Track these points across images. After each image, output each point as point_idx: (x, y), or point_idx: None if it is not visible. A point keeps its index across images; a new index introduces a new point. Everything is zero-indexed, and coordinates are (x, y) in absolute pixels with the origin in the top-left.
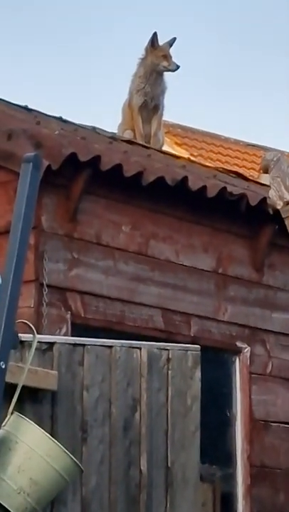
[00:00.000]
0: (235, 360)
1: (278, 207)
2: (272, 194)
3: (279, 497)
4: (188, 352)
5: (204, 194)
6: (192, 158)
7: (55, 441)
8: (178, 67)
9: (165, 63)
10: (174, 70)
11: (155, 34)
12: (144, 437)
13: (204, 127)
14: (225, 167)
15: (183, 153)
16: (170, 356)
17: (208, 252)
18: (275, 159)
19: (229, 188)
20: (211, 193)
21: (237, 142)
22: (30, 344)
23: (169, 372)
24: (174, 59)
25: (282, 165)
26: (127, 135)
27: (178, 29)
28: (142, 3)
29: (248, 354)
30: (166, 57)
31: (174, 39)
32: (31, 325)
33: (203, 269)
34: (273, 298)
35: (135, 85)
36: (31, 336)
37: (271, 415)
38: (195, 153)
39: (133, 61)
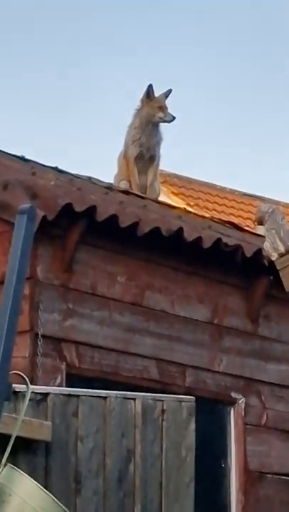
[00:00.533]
0: (230, 411)
1: (273, 258)
2: (266, 246)
3: None
4: (183, 403)
5: (199, 245)
6: (188, 207)
7: (48, 493)
8: (173, 118)
9: (161, 114)
10: (169, 121)
11: (150, 86)
12: (139, 489)
13: (201, 177)
14: (221, 217)
15: (179, 202)
16: (165, 407)
17: (203, 302)
18: (269, 211)
19: (224, 239)
20: (207, 244)
21: (233, 192)
22: (24, 395)
23: (164, 423)
24: (169, 110)
25: (277, 217)
26: (123, 185)
27: (174, 79)
28: (139, 53)
29: (243, 405)
30: (162, 108)
31: (170, 90)
32: (25, 376)
33: (198, 320)
34: (268, 349)
35: (131, 136)
36: (25, 386)
37: (266, 466)
38: (191, 203)
39: (128, 112)
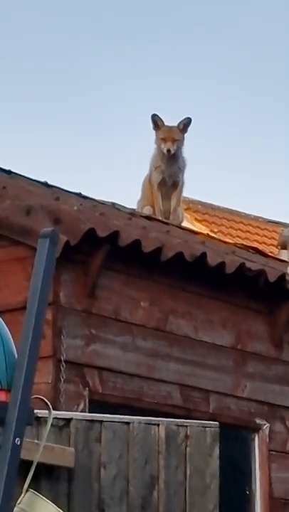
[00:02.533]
0: (255, 437)
1: None
2: None
3: None
4: (207, 429)
5: (223, 270)
6: (212, 234)
7: None
8: (168, 152)
9: (162, 146)
10: (166, 154)
11: (153, 116)
12: None
13: (224, 204)
14: (244, 243)
15: (203, 229)
16: (188, 433)
17: (226, 328)
18: None
19: (248, 264)
20: (230, 269)
21: (257, 219)
22: (46, 420)
23: (188, 449)
24: (188, 138)
25: None
26: (147, 211)
27: (198, 104)
28: (165, 74)
29: (267, 431)
30: (164, 139)
31: (188, 119)
32: (47, 401)
33: (221, 345)
34: None
35: (153, 163)
36: (47, 412)
37: None
38: (215, 230)
39: (152, 137)
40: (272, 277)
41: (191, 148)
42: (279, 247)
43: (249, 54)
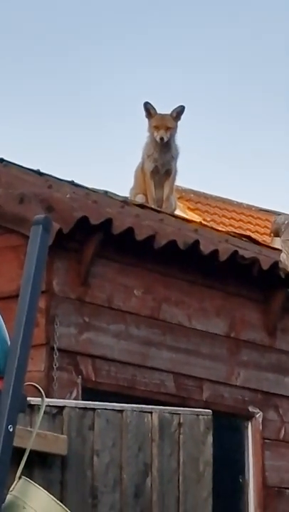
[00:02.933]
0: (248, 425)
1: None
2: (283, 257)
3: None
4: (200, 417)
5: (216, 258)
6: (205, 223)
7: (64, 507)
8: (161, 139)
9: (155, 134)
10: (159, 142)
11: (145, 104)
12: (156, 504)
13: (217, 192)
14: (237, 231)
15: (195, 218)
16: (182, 421)
17: (220, 316)
18: (286, 222)
19: (241, 252)
20: (223, 256)
21: (250, 207)
22: (39, 407)
23: (181, 437)
24: (181, 126)
25: None
26: (139, 199)
27: (191, 95)
28: (159, 66)
29: (261, 419)
30: (157, 127)
31: (181, 107)
32: (40, 388)
33: (215, 334)
34: (286, 362)
35: (146, 151)
36: (40, 399)
37: (285, 481)
38: (208, 218)
39: (144, 125)
40: (265, 265)
41: (184, 136)
42: (272, 235)
43: (245, 41)
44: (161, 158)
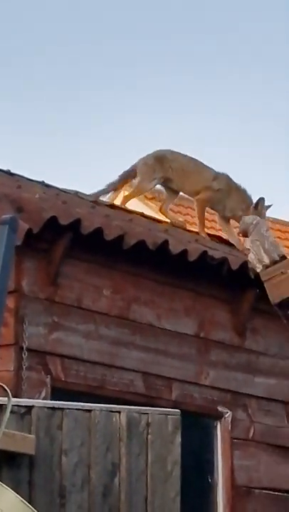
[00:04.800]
0: (217, 425)
1: (258, 270)
2: (251, 258)
3: None
4: (169, 416)
5: (185, 258)
6: None
7: (31, 507)
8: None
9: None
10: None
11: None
12: (124, 503)
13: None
14: (209, 232)
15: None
16: (150, 420)
17: (190, 316)
18: (254, 222)
19: (210, 252)
20: (192, 256)
21: None
22: (5, 407)
23: (149, 436)
24: None
25: (262, 228)
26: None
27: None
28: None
29: (230, 419)
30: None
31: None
32: (6, 388)
33: (185, 334)
34: (255, 362)
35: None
36: (7, 399)
37: (254, 481)
38: (180, 219)
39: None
40: (234, 265)
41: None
42: (240, 235)
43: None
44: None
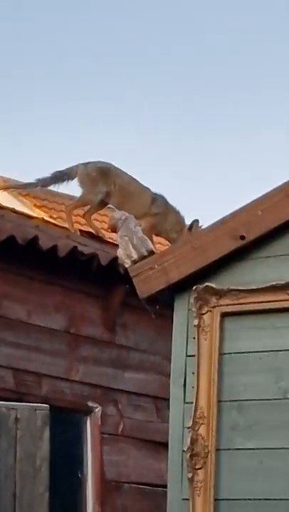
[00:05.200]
0: (87, 420)
1: (126, 266)
2: (120, 253)
3: None
4: (38, 411)
5: (55, 254)
6: (51, 220)
7: None
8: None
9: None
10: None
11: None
12: None
13: (65, 190)
14: (83, 228)
15: (42, 215)
16: (19, 416)
17: (60, 312)
18: (122, 218)
19: (80, 248)
20: (62, 252)
21: None
22: None
23: (18, 432)
24: None
25: (130, 224)
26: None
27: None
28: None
29: (100, 414)
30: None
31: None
32: None
33: (55, 329)
34: (125, 358)
35: None
36: None
37: (123, 476)
38: (54, 215)
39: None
40: (104, 261)
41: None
42: (109, 231)
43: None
44: None
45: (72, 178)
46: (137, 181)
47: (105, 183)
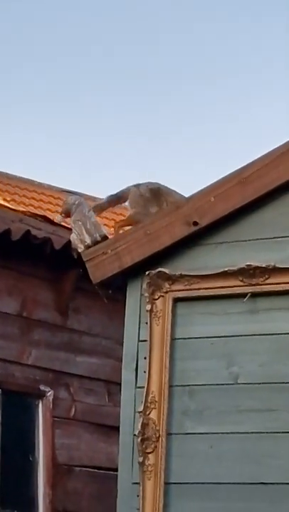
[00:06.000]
0: (39, 403)
1: (80, 250)
2: (73, 238)
3: None
4: None
5: (8, 237)
6: (4, 203)
7: None
8: None
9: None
10: None
11: None
12: None
13: (18, 173)
14: (36, 212)
15: None
16: None
17: (12, 295)
18: (76, 203)
19: (34, 232)
20: (15, 236)
21: (50, 188)
22: None
23: None
24: None
25: (84, 209)
26: None
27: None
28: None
29: (52, 398)
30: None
31: None
32: None
33: (7, 313)
34: (78, 342)
35: None
36: None
37: (75, 459)
38: (8, 198)
39: None
40: (58, 245)
41: None
42: (63, 215)
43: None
44: None
45: (125, 201)
46: (185, 197)
47: (157, 203)
